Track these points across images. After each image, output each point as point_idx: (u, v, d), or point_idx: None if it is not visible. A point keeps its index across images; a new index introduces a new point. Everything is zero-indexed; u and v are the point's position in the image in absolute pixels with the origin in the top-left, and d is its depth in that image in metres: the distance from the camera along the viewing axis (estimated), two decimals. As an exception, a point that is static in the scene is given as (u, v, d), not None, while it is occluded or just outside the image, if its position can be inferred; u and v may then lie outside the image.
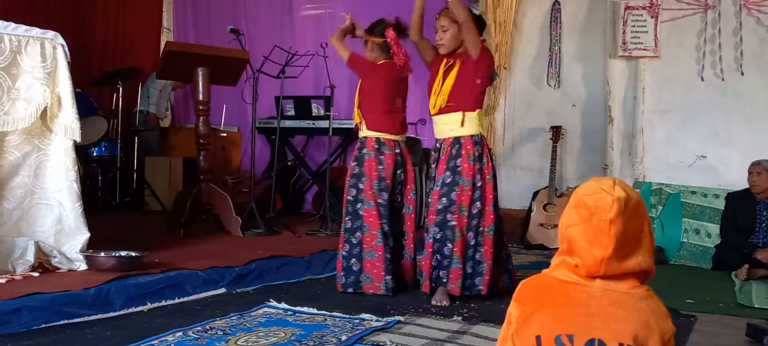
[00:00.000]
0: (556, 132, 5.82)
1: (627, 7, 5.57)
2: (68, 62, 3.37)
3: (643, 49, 5.57)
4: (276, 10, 7.23)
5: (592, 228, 1.52)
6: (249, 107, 5.37)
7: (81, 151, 5.69)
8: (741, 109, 5.34)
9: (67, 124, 3.30)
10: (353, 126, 6.05)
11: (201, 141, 4.80)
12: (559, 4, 5.94)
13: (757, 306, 3.73)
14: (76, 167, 3.39)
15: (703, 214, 5.37)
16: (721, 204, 5.20)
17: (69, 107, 3.31)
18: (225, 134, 6.80)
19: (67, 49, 3.38)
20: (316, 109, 6.21)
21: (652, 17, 5.51)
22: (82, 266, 3.28)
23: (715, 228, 5.21)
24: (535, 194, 5.79)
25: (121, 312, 2.95)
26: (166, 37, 7.61)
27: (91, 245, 3.38)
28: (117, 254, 3.27)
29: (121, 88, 6.02)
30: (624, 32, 5.58)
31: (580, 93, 5.93)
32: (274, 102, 6.13)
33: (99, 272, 3.15)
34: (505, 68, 6.01)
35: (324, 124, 5.89)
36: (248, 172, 6.29)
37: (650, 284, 3.50)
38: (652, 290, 1.58)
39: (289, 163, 6.73)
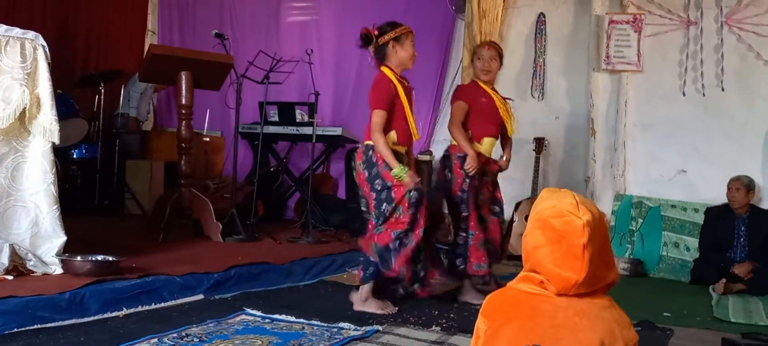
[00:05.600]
0: (539, 143, 5.85)
1: (611, 22, 5.61)
2: (49, 63, 3.33)
3: (626, 64, 5.62)
4: (262, 16, 7.21)
5: (561, 251, 1.54)
6: (233, 112, 5.35)
7: (61, 152, 5.64)
8: (721, 125, 5.39)
9: (46, 126, 3.26)
10: (338, 133, 6.10)
11: (182, 145, 4.76)
12: (544, 16, 5.98)
13: (733, 321, 3.76)
14: (54, 170, 3.34)
15: (682, 228, 5.42)
16: (700, 218, 5.25)
17: (48, 109, 3.27)
18: (208, 139, 6.76)
19: (47, 50, 3.34)
20: (300, 115, 6.20)
21: (635, 32, 5.56)
22: (58, 269, 3.23)
23: (694, 242, 5.26)
24: (518, 205, 5.80)
25: (96, 317, 2.91)
26: (150, 39, 7.55)
27: (69, 249, 3.33)
28: (93, 259, 3.23)
29: (102, 90, 5.96)
30: (608, 46, 5.62)
31: (564, 105, 5.96)
32: (258, 107, 6.11)
33: (75, 276, 3.11)
34: (489, 79, 6.02)
35: (308, 130, 5.87)
36: (231, 177, 6.25)
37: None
38: (613, 300, 1.61)
39: (271, 170, 6.69)
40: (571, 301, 1.60)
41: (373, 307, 3.42)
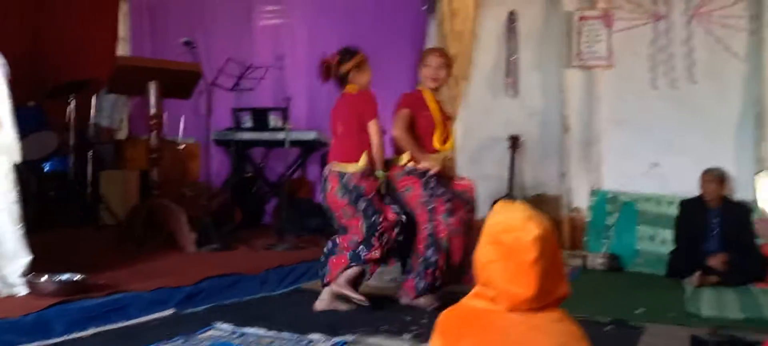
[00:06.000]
0: (514, 141, 5.87)
1: (581, 18, 5.63)
2: (9, 80, 3.29)
3: (598, 59, 5.64)
4: (234, 21, 7.16)
5: (511, 267, 1.55)
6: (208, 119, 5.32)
7: (32, 166, 5.57)
8: (693, 118, 5.42)
9: (6, 145, 3.21)
10: (312, 137, 6.08)
11: (153, 155, 4.73)
12: (515, 14, 5.97)
13: (704, 315, 3.79)
14: (18, 188, 3.29)
15: (657, 221, 5.45)
16: (674, 211, 5.27)
17: (8, 128, 3.23)
18: (183, 146, 6.70)
19: (8, 67, 3.30)
20: (274, 120, 6.16)
21: (605, 27, 5.58)
22: (23, 290, 3.18)
23: (669, 235, 5.28)
24: (494, 202, 5.81)
25: (62, 339, 2.88)
26: (122, 46, 7.47)
27: (38, 266, 3.28)
28: (59, 278, 3.18)
29: (74, 101, 5.89)
30: (579, 42, 5.64)
31: (537, 102, 5.97)
32: (232, 113, 6.08)
33: (40, 296, 3.06)
34: (463, 79, 6.02)
35: (282, 135, 5.84)
36: (208, 183, 6.20)
37: (604, 293, 3.48)
38: (566, 312, 1.62)
39: (249, 175, 6.66)
40: (524, 316, 1.60)
41: (348, 290, 3.54)
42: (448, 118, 3.98)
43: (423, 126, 3.79)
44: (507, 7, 5.99)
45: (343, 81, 3.72)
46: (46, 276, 3.18)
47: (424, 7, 6.20)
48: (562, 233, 5.79)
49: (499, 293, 1.60)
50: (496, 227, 1.64)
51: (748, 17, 5.26)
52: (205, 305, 3.61)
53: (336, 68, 3.68)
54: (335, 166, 3.64)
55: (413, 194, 3.70)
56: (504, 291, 1.59)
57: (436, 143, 3.82)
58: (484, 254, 1.65)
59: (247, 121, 6.26)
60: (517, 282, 1.57)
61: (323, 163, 6.16)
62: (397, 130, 3.73)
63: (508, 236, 1.60)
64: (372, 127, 3.62)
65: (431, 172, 3.66)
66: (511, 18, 5.98)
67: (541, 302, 1.60)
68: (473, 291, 1.69)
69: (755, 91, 5.25)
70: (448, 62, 3.94)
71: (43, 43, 6.62)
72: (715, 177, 4.97)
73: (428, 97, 3.86)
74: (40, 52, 6.54)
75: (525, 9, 5.96)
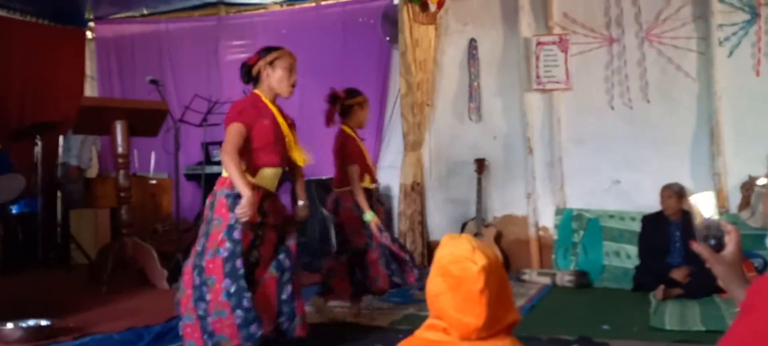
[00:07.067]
0: (480, 164, 5.98)
1: (538, 43, 5.79)
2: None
3: (556, 82, 5.80)
4: (201, 57, 7.21)
5: (460, 297, 1.61)
6: (179, 154, 5.35)
7: (0, 210, 5.54)
8: (649, 135, 5.59)
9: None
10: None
11: (122, 194, 4.75)
12: (475, 41, 6.12)
13: (668, 328, 3.89)
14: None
15: (621, 236, 5.58)
16: (637, 226, 5.39)
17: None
18: (154, 182, 6.71)
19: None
20: (244, 153, 6.21)
21: (562, 52, 5.75)
22: (-11, 339, 3.18)
23: (634, 250, 5.41)
24: (464, 225, 5.93)
25: (30, 385, 2.88)
26: (89, 85, 7.48)
27: (7, 311, 3.29)
28: (25, 325, 3.18)
29: (40, 142, 5.88)
30: (537, 67, 5.80)
31: (500, 126, 6.10)
32: (201, 148, 6.13)
33: (7, 344, 3.06)
34: (428, 105, 6.15)
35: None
36: (181, 218, 6.21)
37: (571, 310, 3.50)
38: (516, 339, 1.69)
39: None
40: (475, 345, 1.67)
41: None
42: (292, 125, 3.34)
43: (261, 137, 3.13)
44: (467, 35, 6.14)
45: (346, 111, 4.25)
46: (11, 323, 3.18)
47: (387, 39, 6.33)
48: (530, 252, 5.91)
49: (451, 324, 1.67)
50: (444, 259, 1.71)
51: (697, 39, 5.47)
52: (176, 343, 3.60)
53: (342, 100, 4.21)
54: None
55: (217, 230, 3.03)
56: (455, 321, 1.65)
57: (296, 158, 3.27)
58: (434, 286, 1.72)
59: (217, 154, 6.31)
60: (466, 312, 1.63)
61: (292, 191, 6.22)
62: (224, 152, 3.03)
63: (455, 267, 1.66)
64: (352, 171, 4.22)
65: (242, 218, 2.92)
66: (472, 45, 6.13)
67: (491, 330, 1.67)
68: (427, 323, 1.75)
69: (707, 109, 5.45)
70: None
71: (5, 85, 6.58)
72: (674, 192, 5.11)
73: (268, 102, 3.23)
74: (3, 94, 6.50)
75: (484, 36, 6.11)
